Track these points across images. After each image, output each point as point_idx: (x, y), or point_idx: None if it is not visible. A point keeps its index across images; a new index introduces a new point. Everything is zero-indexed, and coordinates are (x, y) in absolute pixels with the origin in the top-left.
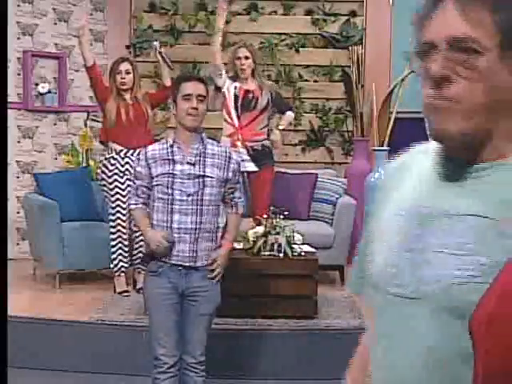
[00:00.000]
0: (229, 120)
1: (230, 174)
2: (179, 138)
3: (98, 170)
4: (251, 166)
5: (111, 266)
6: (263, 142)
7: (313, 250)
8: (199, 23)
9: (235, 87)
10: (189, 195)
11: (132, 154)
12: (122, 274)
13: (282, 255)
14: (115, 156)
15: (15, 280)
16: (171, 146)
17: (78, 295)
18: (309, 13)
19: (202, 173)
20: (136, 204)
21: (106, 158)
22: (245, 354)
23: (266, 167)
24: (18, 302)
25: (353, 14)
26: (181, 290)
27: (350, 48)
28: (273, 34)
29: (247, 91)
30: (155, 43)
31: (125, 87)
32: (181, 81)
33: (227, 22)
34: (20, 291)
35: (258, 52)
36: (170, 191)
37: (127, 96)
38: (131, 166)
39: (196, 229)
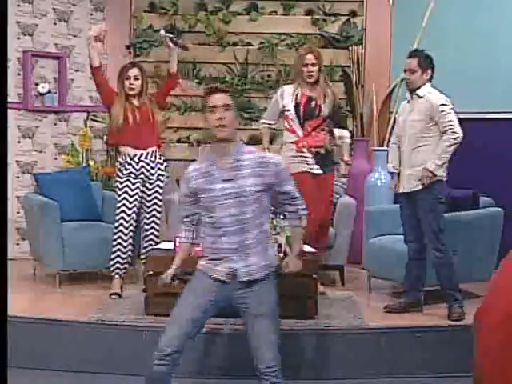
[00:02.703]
0: (290, 128)
1: (273, 178)
2: (215, 151)
3: (115, 174)
4: (317, 169)
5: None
6: (327, 147)
7: (313, 249)
8: (199, 23)
9: (297, 95)
10: (232, 215)
11: (146, 157)
12: (117, 276)
13: (282, 255)
14: (129, 161)
15: (15, 280)
16: (207, 165)
17: (78, 295)
18: (309, 13)
19: (239, 189)
20: (184, 239)
21: (120, 163)
22: (245, 354)
23: (331, 171)
24: (18, 301)
25: (353, 14)
26: (227, 301)
27: (350, 48)
28: (273, 33)
29: (309, 98)
30: (161, 32)
31: (133, 92)
32: (206, 94)
33: (227, 22)
34: (20, 291)
35: (321, 55)
36: (212, 214)
37: (135, 100)
38: (146, 169)
39: (244, 245)
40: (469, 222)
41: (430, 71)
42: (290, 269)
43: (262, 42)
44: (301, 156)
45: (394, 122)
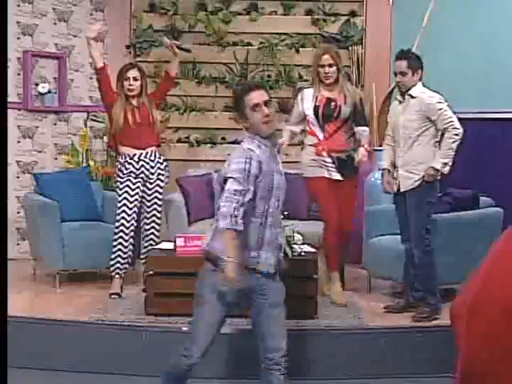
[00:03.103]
0: (311, 131)
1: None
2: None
3: (115, 174)
4: (337, 175)
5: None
6: (349, 152)
7: (313, 250)
8: (199, 23)
9: (316, 97)
10: (278, 207)
11: (146, 156)
12: (117, 276)
13: (281, 255)
14: (129, 161)
15: (15, 280)
16: (261, 153)
17: (77, 295)
18: (309, 13)
19: (282, 183)
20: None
21: (120, 163)
22: (245, 354)
23: (351, 178)
24: (18, 301)
25: (353, 14)
26: (247, 290)
27: (350, 48)
28: (273, 33)
29: (329, 99)
30: (166, 40)
31: (132, 93)
32: (244, 92)
33: (227, 22)
34: (20, 291)
35: (339, 55)
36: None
37: (134, 101)
38: (146, 169)
39: (276, 238)
40: (469, 222)
41: (420, 71)
42: None
43: (262, 42)
44: (320, 160)
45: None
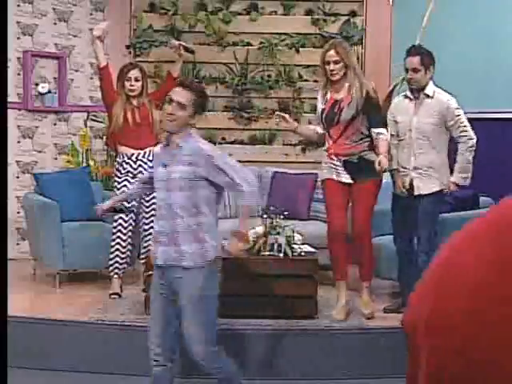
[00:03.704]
0: (324, 135)
1: (205, 170)
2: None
3: (113, 174)
4: (347, 178)
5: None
6: (361, 154)
7: (313, 250)
8: (199, 23)
9: (326, 99)
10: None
11: (144, 156)
12: (116, 276)
13: (282, 255)
14: (127, 160)
15: (15, 280)
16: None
17: (77, 295)
18: (309, 13)
19: (169, 175)
20: None
21: (118, 163)
22: (245, 354)
23: (363, 181)
24: (18, 301)
25: (353, 14)
26: (169, 287)
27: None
28: (273, 33)
29: (335, 102)
30: (173, 41)
31: (133, 94)
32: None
33: (227, 22)
34: (20, 291)
35: (348, 50)
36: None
37: (135, 101)
38: (144, 169)
39: (174, 231)
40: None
41: (432, 68)
42: (230, 251)
43: (262, 42)
44: (331, 163)
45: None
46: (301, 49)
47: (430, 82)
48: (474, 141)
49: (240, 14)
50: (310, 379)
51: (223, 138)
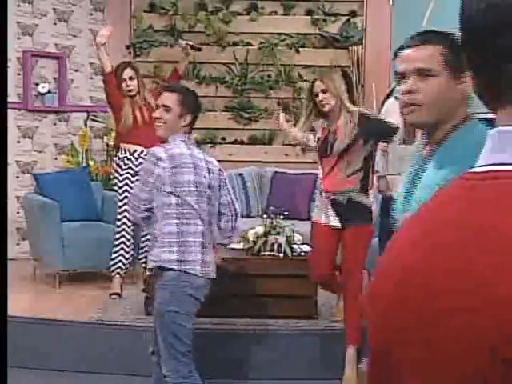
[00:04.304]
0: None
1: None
2: None
3: (112, 170)
4: (335, 222)
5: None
6: (350, 194)
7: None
8: (199, 23)
9: (322, 129)
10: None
11: (145, 154)
12: (117, 276)
13: (282, 255)
14: (129, 156)
15: (15, 280)
16: None
17: (77, 295)
18: (309, 13)
19: None
20: None
21: (119, 158)
22: (245, 355)
23: (351, 227)
24: (18, 301)
25: (353, 14)
26: None
27: (350, 48)
28: (273, 33)
29: (328, 133)
30: (181, 42)
31: (132, 93)
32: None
33: (227, 22)
34: (20, 291)
35: (335, 80)
36: None
37: (137, 98)
38: None
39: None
40: None
41: None
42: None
43: (262, 42)
44: (322, 200)
45: None
46: (301, 49)
47: None
48: None
49: (240, 14)
50: (310, 379)
51: (223, 138)
